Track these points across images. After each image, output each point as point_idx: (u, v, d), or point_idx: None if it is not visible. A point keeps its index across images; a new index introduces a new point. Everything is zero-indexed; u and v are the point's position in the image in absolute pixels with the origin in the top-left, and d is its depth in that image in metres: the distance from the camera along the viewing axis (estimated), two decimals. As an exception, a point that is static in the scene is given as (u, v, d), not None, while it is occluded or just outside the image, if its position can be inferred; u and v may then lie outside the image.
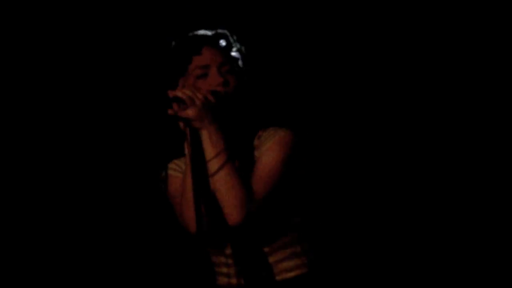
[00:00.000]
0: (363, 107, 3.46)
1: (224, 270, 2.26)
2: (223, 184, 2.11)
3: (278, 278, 2.22)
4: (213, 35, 2.24)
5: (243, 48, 2.29)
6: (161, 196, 2.38)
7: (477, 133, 3.37)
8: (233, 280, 2.24)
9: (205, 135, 2.13)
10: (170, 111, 2.12)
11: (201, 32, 2.25)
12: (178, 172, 2.31)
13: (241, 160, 2.23)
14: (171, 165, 2.35)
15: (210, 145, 2.13)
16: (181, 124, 2.17)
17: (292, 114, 3.36)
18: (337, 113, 3.47)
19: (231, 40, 2.26)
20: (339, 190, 3.44)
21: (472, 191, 3.38)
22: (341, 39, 3.44)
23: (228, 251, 2.24)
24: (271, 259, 2.22)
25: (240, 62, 2.27)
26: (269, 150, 2.19)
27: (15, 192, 3.50)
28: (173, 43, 2.26)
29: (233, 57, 2.25)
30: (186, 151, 2.17)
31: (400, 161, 3.43)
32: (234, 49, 2.26)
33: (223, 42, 2.24)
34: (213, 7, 3.39)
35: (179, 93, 2.11)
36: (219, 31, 2.26)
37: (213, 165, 2.13)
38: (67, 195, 3.52)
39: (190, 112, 2.10)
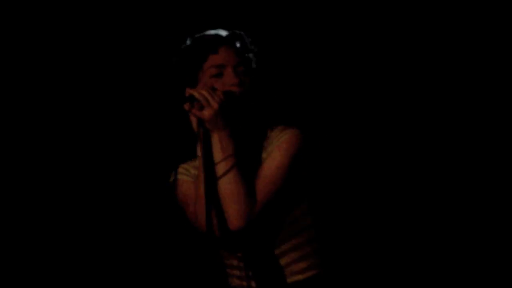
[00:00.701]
0: (370, 108, 3.45)
1: (236, 272, 2.25)
2: (227, 190, 2.12)
3: (289, 280, 2.21)
4: (230, 36, 2.23)
5: (256, 50, 2.27)
6: (171, 200, 2.37)
7: (478, 133, 3.37)
8: (245, 283, 2.23)
9: (215, 138, 2.13)
10: (186, 106, 2.12)
11: (219, 31, 2.24)
12: (186, 176, 2.30)
13: (249, 162, 2.22)
14: (179, 170, 2.33)
15: (219, 149, 2.13)
16: (194, 124, 2.17)
17: (300, 114, 3.35)
18: (343, 113, 3.46)
19: (247, 41, 2.25)
20: (348, 190, 3.43)
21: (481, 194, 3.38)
22: (348, 41, 3.43)
23: (240, 253, 2.23)
24: (282, 261, 2.21)
25: (253, 64, 2.25)
26: (275, 152, 2.18)
27: (25, 194, 3.50)
28: (189, 40, 2.25)
29: (248, 59, 2.23)
30: (199, 152, 2.17)
31: (407, 158, 3.43)
32: (249, 50, 2.24)
33: (238, 43, 2.22)
34: (221, 7, 3.38)
35: (195, 93, 2.11)
36: (236, 31, 2.25)
37: (219, 169, 2.13)
38: (77, 198, 3.52)
39: (206, 113, 2.10)
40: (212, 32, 2.24)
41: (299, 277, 2.22)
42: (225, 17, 3.32)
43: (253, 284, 2.22)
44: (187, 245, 3.43)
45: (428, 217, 3.41)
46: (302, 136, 2.20)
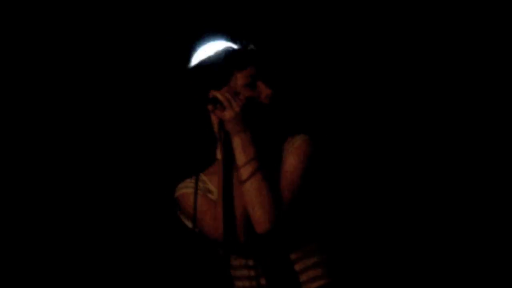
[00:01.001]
0: (383, 119, 3.45)
1: (246, 283, 2.27)
2: (253, 192, 2.14)
3: (304, 286, 2.23)
4: (261, 52, 2.31)
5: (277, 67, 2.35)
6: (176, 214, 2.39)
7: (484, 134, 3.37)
8: None
9: (237, 142, 2.17)
10: (209, 107, 2.16)
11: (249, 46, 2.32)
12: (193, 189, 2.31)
13: (268, 168, 2.24)
14: (185, 184, 2.35)
15: (242, 152, 2.16)
16: (215, 126, 2.20)
17: (313, 123, 3.35)
18: (358, 121, 3.46)
19: (271, 59, 2.32)
20: (359, 199, 3.42)
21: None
22: (358, 49, 3.44)
23: (251, 262, 2.25)
24: (297, 267, 2.24)
25: (275, 81, 2.31)
26: (289, 159, 2.22)
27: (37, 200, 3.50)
28: (220, 50, 2.31)
29: (272, 76, 2.30)
30: (219, 156, 2.21)
31: (418, 167, 3.41)
32: (273, 67, 2.31)
33: (266, 60, 2.30)
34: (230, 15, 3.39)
35: (219, 95, 2.15)
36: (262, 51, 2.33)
37: (244, 173, 2.16)
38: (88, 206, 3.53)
39: (227, 114, 2.14)
40: (241, 45, 2.33)
41: (311, 285, 2.24)
42: (239, 25, 3.33)
43: None
44: (194, 257, 3.43)
45: (438, 224, 3.39)
46: (312, 143, 2.25)
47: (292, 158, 2.21)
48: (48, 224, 3.50)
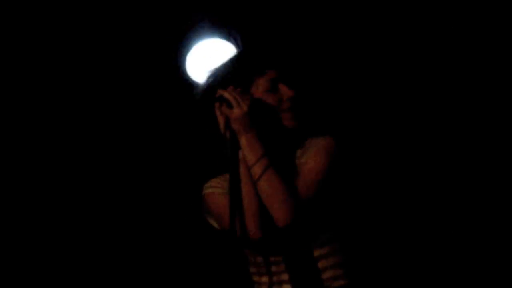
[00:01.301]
0: (409, 117, 3.45)
1: (263, 279, 2.27)
2: (268, 188, 2.15)
3: (325, 284, 2.23)
4: (279, 55, 2.31)
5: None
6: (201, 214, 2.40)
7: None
8: None
9: (243, 141, 2.18)
10: (216, 104, 2.18)
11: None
12: (218, 189, 2.33)
13: (282, 166, 2.24)
14: (210, 184, 2.36)
15: (250, 151, 2.17)
16: (221, 125, 2.20)
17: (335, 122, 3.36)
18: (378, 122, 3.46)
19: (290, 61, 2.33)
20: (381, 200, 3.42)
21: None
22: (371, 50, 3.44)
23: (269, 259, 2.25)
24: (319, 265, 2.24)
25: (297, 82, 2.31)
26: (312, 157, 2.22)
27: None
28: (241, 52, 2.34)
29: (293, 77, 2.30)
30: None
31: (441, 171, 3.42)
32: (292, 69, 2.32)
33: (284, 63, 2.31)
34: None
35: (226, 94, 2.17)
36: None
37: (255, 171, 2.16)
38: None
39: (234, 111, 2.15)
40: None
41: (331, 284, 2.23)
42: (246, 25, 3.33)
43: None
44: (211, 256, 3.45)
45: (458, 228, 3.39)
46: (336, 144, 2.26)
47: (317, 157, 2.21)
48: (61, 225, 3.53)
